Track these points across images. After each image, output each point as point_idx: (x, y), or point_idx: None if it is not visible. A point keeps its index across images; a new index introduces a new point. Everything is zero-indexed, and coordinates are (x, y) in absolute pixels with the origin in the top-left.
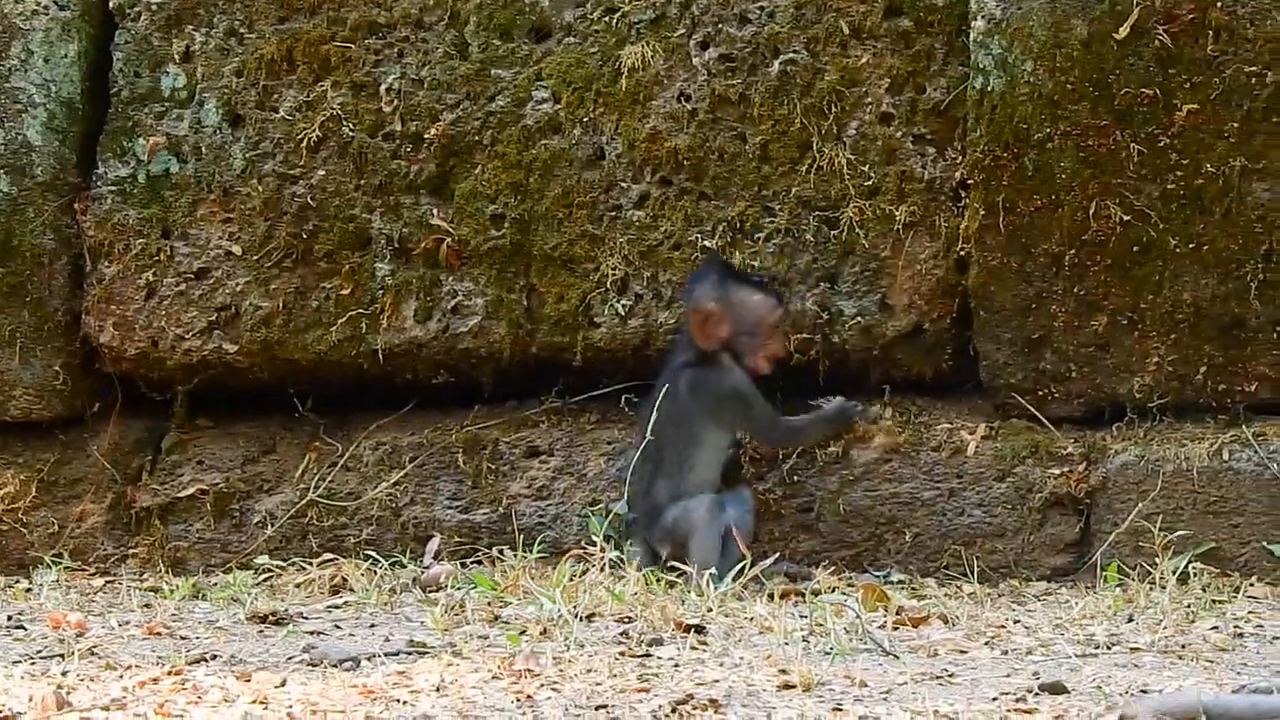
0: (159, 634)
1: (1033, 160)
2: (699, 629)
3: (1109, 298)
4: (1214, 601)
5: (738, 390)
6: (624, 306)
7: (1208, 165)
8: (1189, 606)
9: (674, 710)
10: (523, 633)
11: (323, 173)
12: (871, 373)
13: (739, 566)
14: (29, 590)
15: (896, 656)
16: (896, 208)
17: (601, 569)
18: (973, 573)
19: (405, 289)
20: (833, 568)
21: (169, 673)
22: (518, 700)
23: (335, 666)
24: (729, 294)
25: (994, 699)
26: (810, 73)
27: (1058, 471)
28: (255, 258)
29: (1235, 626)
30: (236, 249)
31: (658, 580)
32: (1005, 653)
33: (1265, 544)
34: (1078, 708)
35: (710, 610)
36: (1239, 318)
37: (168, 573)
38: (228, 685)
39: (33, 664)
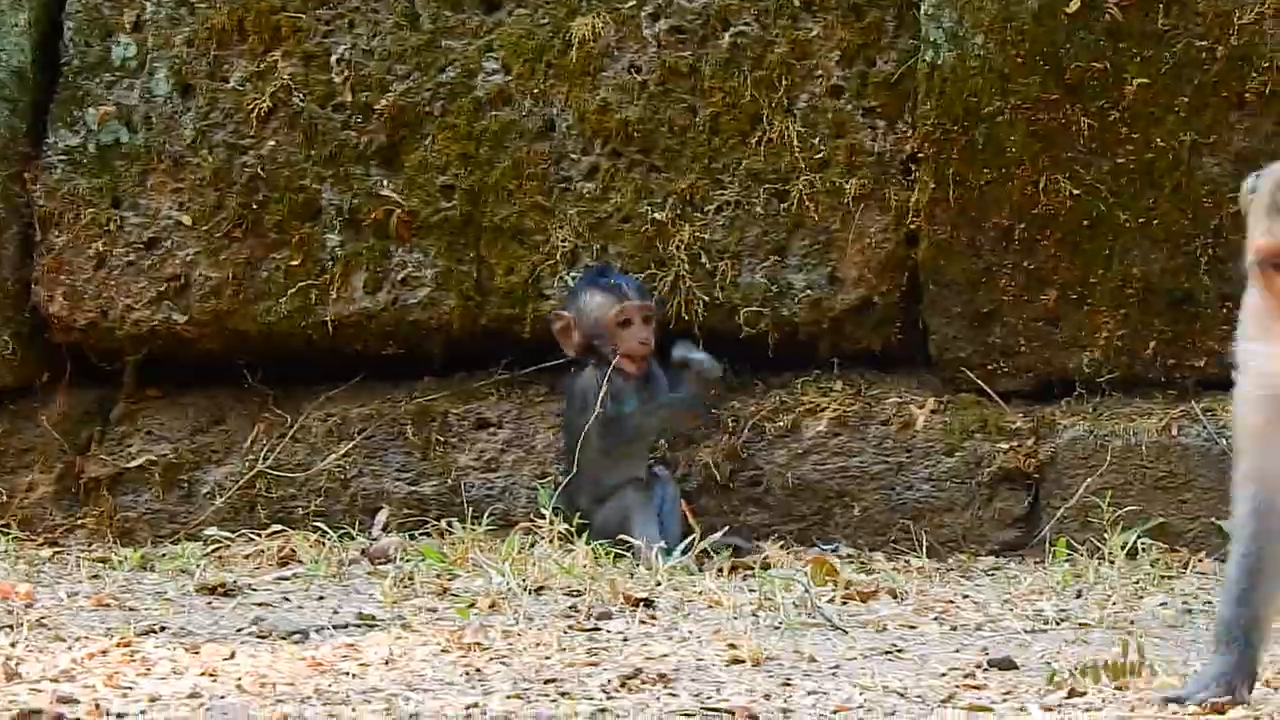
0: (108, 605)
1: (983, 134)
2: (648, 603)
3: (1059, 272)
4: (1163, 577)
5: (580, 391)
6: (574, 278)
7: (1158, 140)
8: (1138, 582)
9: (623, 684)
10: (471, 606)
11: (273, 143)
12: (821, 346)
13: (688, 540)
14: None
15: (845, 631)
16: (846, 181)
17: (550, 542)
18: (921, 547)
19: (355, 260)
20: (781, 541)
21: (118, 644)
22: (467, 673)
23: (284, 639)
24: (576, 300)
25: (943, 674)
26: (760, 45)
27: (1006, 446)
28: (205, 228)
29: (1184, 602)
30: (186, 219)
31: (607, 554)
32: (954, 628)
33: (1214, 519)
34: (1026, 683)
35: (659, 584)
36: (1188, 292)
37: (116, 543)
38: (177, 657)
39: None
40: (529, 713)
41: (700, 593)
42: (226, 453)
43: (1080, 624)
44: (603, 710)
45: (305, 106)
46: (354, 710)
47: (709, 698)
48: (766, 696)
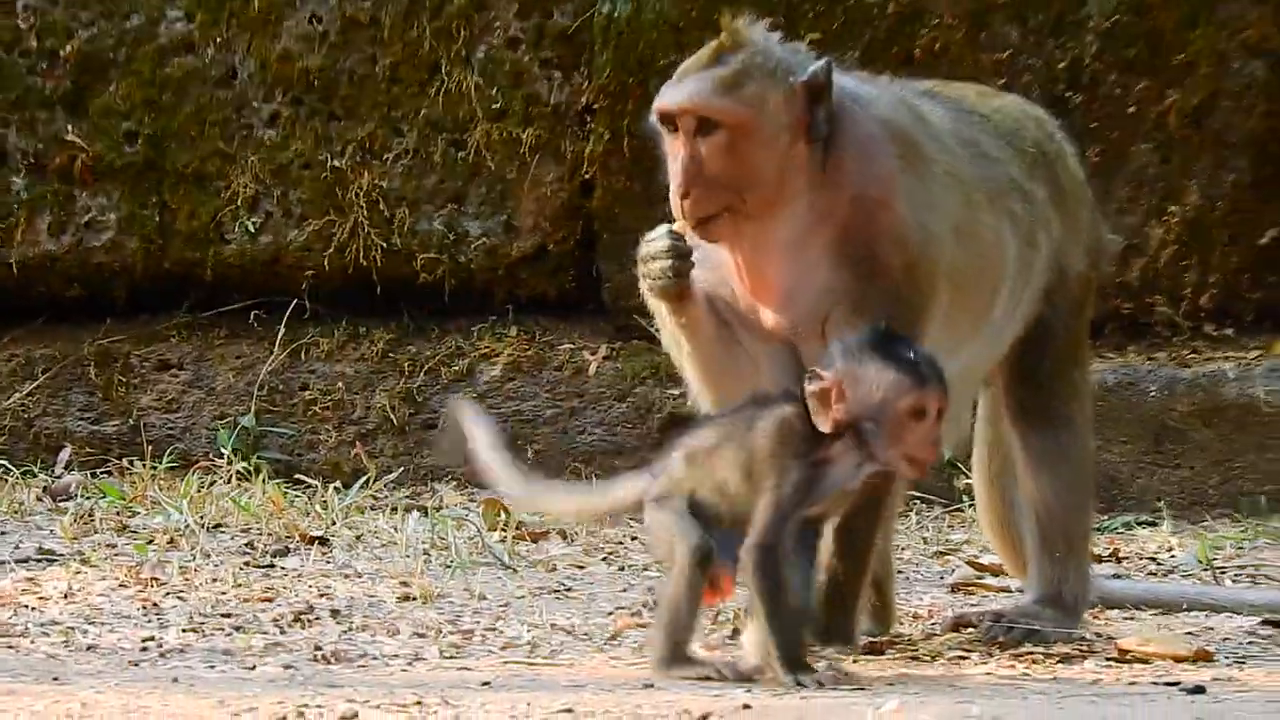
0: None
1: (657, 86)
2: (323, 541)
3: None
4: None
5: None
6: (254, 224)
7: None
8: None
9: (296, 619)
10: (150, 542)
11: None
12: (496, 293)
13: (363, 479)
14: None
15: (515, 570)
16: (523, 131)
17: (229, 481)
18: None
19: (39, 204)
20: (455, 482)
21: None
22: (144, 608)
23: None
24: (853, 364)
25: (609, 613)
26: None
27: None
28: None
29: None
30: None
31: (284, 493)
32: (622, 568)
33: None
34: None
35: (334, 523)
36: None
37: None
38: None
39: None
40: (203, 646)
41: (374, 532)
42: None
43: None
44: (276, 644)
45: None
46: (32, 642)
47: (378, 632)
48: (438, 632)
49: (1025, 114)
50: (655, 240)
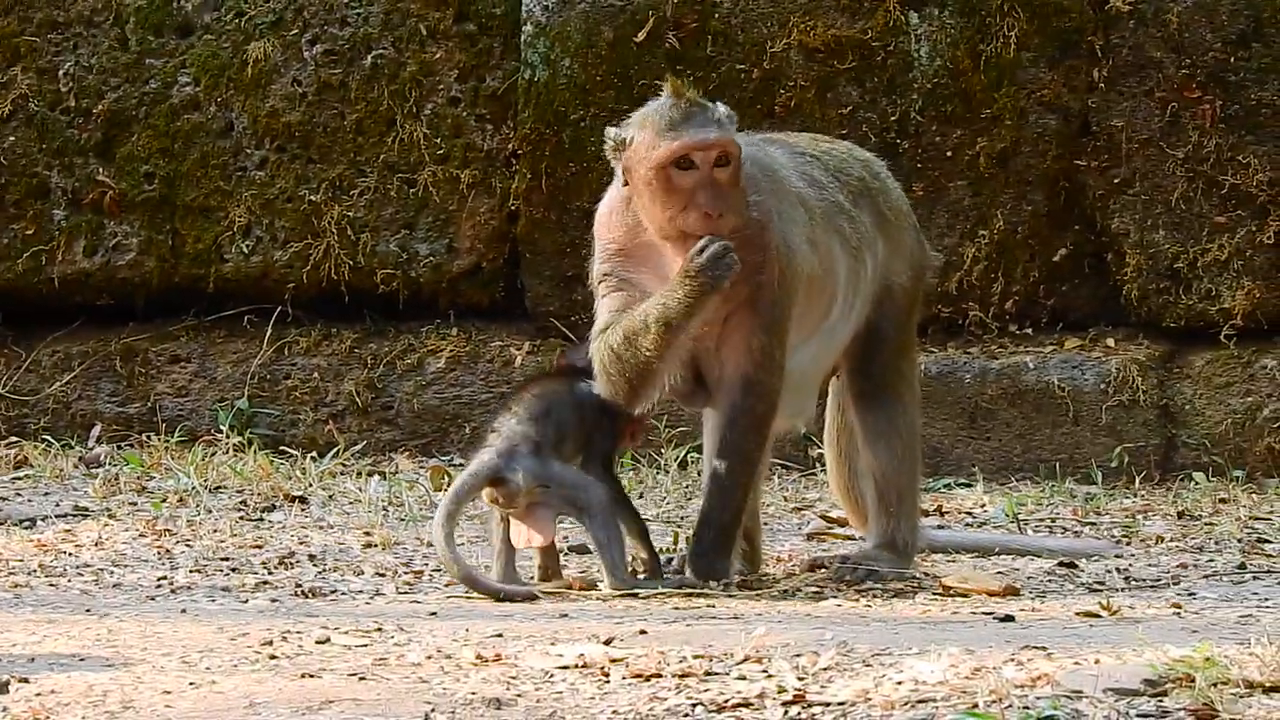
0: None
1: (569, 136)
2: (302, 500)
3: None
4: None
5: None
6: (247, 246)
7: None
8: (687, 487)
9: (281, 562)
10: (164, 501)
11: (13, 139)
12: (440, 301)
13: (334, 450)
14: None
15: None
16: (462, 172)
17: (226, 452)
18: None
19: (76, 230)
20: (408, 453)
21: None
22: (159, 553)
23: (16, 525)
24: None
25: (531, 557)
26: (396, 65)
27: None
28: None
29: None
30: None
31: (271, 461)
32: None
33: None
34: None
35: (311, 485)
36: None
37: None
38: None
39: None
40: (206, 584)
41: (343, 492)
42: None
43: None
44: (265, 582)
45: (39, 110)
46: (69, 581)
47: (346, 573)
48: (394, 572)
49: (852, 155)
50: (715, 247)
